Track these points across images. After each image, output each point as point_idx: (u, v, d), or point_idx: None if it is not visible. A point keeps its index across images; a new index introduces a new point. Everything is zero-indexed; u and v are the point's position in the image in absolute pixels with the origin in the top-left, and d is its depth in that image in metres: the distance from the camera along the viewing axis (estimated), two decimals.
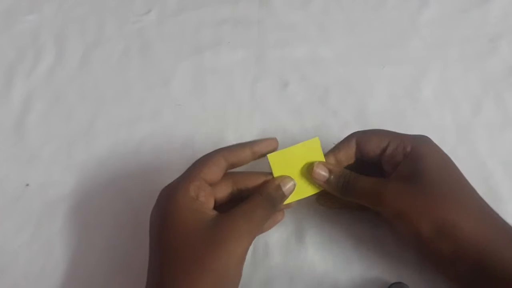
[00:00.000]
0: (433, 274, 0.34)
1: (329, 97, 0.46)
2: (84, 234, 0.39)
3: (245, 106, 0.47)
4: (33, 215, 0.40)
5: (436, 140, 0.35)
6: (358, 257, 0.36)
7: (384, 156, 0.34)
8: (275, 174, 0.34)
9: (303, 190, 0.35)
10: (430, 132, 0.35)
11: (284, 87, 0.48)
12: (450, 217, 0.30)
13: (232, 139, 0.44)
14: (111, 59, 0.51)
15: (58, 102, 0.48)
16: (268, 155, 0.33)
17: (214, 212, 0.31)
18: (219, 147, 0.34)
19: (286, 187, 0.33)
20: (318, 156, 0.34)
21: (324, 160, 0.35)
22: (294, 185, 0.34)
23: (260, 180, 0.34)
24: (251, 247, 0.37)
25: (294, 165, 0.34)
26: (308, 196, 0.35)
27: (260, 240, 0.38)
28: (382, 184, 0.33)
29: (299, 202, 0.35)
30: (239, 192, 0.34)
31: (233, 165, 0.34)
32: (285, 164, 0.34)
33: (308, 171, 0.34)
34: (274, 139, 0.34)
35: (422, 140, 0.34)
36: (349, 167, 0.35)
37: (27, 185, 0.42)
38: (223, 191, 0.34)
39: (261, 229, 0.35)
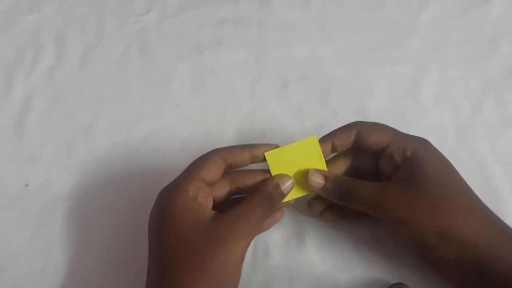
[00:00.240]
0: (433, 275, 0.34)
1: (329, 97, 0.46)
2: (83, 234, 0.39)
3: (245, 106, 0.47)
4: (33, 215, 0.40)
5: (436, 140, 0.35)
6: (358, 258, 0.36)
7: (382, 155, 0.34)
8: (273, 172, 0.34)
9: (301, 188, 0.35)
10: (430, 132, 0.35)
11: (284, 87, 0.48)
12: (453, 222, 0.30)
13: (232, 139, 0.44)
14: (111, 59, 0.51)
15: (58, 102, 0.48)
16: (266, 153, 0.33)
17: (213, 212, 0.31)
18: (219, 147, 0.34)
19: (285, 186, 0.33)
20: (316, 154, 0.34)
21: (323, 158, 0.34)
22: (293, 183, 0.34)
23: (258, 178, 0.34)
24: (251, 247, 0.37)
25: (292, 164, 0.34)
26: (307, 194, 0.35)
27: (260, 240, 0.38)
28: (382, 190, 0.32)
29: (299, 202, 0.35)
30: (237, 191, 0.34)
31: (231, 167, 0.34)
32: (283, 163, 0.34)
33: (306, 171, 0.34)
34: (274, 145, 0.34)
35: (423, 144, 0.34)
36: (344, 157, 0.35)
37: (27, 185, 0.42)
38: (222, 190, 0.34)
39: (260, 229, 0.35)
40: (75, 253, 0.38)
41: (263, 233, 0.37)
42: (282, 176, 0.34)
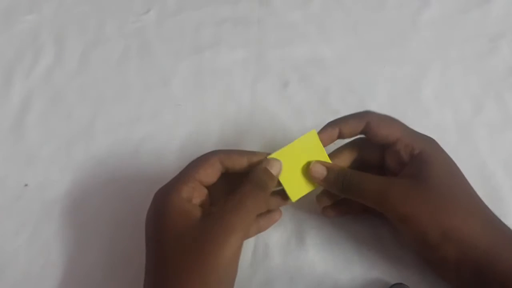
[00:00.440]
0: (434, 275, 0.34)
1: (329, 97, 0.46)
2: (83, 233, 0.39)
3: (245, 106, 0.46)
4: (32, 215, 0.40)
5: (436, 140, 0.35)
6: (358, 258, 0.36)
7: (389, 150, 0.34)
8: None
9: (308, 184, 0.35)
10: (431, 132, 0.35)
11: (284, 87, 0.48)
12: (456, 223, 0.30)
13: (232, 139, 0.44)
14: (110, 59, 0.51)
15: (58, 102, 0.48)
16: (268, 157, 0.33)
17: (208, 212, 0.31)
18: (219, 148, 0.34)
19: (273, 168, 0.32)
20: (317, 148, 0.34)
21: (324, 151, 0.34)
22: (281, 164, 0.33)
23: (243, 161, 0.33)
24: (251, 248, 0.37)
25: (296, 161, 0.34)
26: (314, 190, 0.35)
27: (260, 241, 0.37)
28: (387, 185, 0.32)
29: (299, 202, 0.35)
30: (227, 171, 0.33)
31: (228, 170, 0.33)
32: (287, 162, 0.34)
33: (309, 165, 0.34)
34: (277, 161, 0.33)
35: (430, 144, 0.34)
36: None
37: (26, 185, 0.42)
38: (214, 176, 0.33)
39: (252, 221, 0.33)
40: (74, 253, 0.38)
41: (263, 234, 0.37)
42: (269, 160, 0.33)
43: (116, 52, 0.52)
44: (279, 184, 0.34)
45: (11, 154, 0.44)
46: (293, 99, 0.47)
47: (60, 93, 0.49)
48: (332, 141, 0.35)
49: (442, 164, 0.33)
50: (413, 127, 0.35)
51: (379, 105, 0.45)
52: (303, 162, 0.34)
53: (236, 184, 0.32)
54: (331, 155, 0.35)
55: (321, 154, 0.34)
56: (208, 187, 0.33)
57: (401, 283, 0.34)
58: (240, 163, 0.33)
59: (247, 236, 0.33)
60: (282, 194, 0.35)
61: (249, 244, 0.37)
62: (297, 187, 0.34)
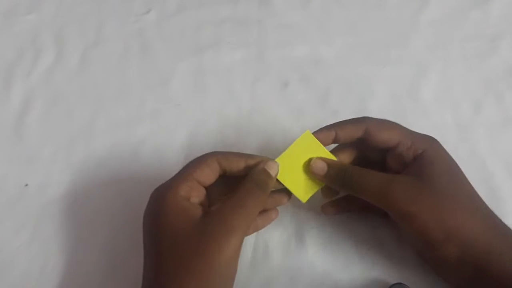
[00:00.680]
0: (434, 275, 0.34)
1: (329, 97, 0.46)
2: (83, 234, 0.39)
3: (245, 106, 0.46)
4: (32, 215, 0.40)
5: None
6: (358, 258, 0.36)
7: (391, 154, 0.34)
8: (282, 179, 0.34)
9: (313, 184, 0.35)
10: (431, 132, 0.35)
11: (284, 87, 0.48)
12: (457, 222, 0.30)
13: (232, 139, 0.44)
14: (110, 59, 0.51)
15: (58, 102, 0.48)
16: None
17: (206, 211, 0.31)
18: (218, 147, 0.34)
19: (271, 168, 0.32)
20: (316, 147, 0.34)
21: (324, 148, 0.34)
22: (278, 166, 0.33)
23: (241, 162, 0.33)
24: (251, 248, 0.37)
25: (298, 163, 0.34)
26: (319, 189, 0.35)
27: (260, 241, 0.37)
28: (389, 181, 0.32)
29: (298, 202, 0.35)
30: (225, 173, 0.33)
31: (225, 172, 0.33)
32: (288, 166, 0.34)
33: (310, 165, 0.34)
34: (272, 160, 0.33)
35: (432, 143, 0.34)
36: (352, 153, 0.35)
37: (26, 185, 0.42)
38: (211, 177, 0.33)
39: (252, 221, 0.33)
40: (74, 253, 0.38)
41: (263, 234, 0.37)
42: (266, 160, 0.33)
43: (116, 52, 0.52)
44: (279, 184, 0.34)
45: (11, 154, 0.44)
46: (293, 99, 0.47)
47: (60, 93, 0.49)
48: (327, 143, 0.35)
49: (444, 163, 0.33)
50: (413, 127, 0.35)
51: (378, 105, 0.45)
52: (304, 164, 0.34)
53: (234, 187, 0.32)
54: (332, 152, 0.35)
55: (321, 151, 0.34)
56: (206, 188, 0.33)
57: (401, 283, 0.34)
58: (238, 164, 0.33)
59: (245, 233, 0.33)
60: (279, 194, 0.35)
61: (249, 244, 0.37)
62: (304, 188, 0.34)
